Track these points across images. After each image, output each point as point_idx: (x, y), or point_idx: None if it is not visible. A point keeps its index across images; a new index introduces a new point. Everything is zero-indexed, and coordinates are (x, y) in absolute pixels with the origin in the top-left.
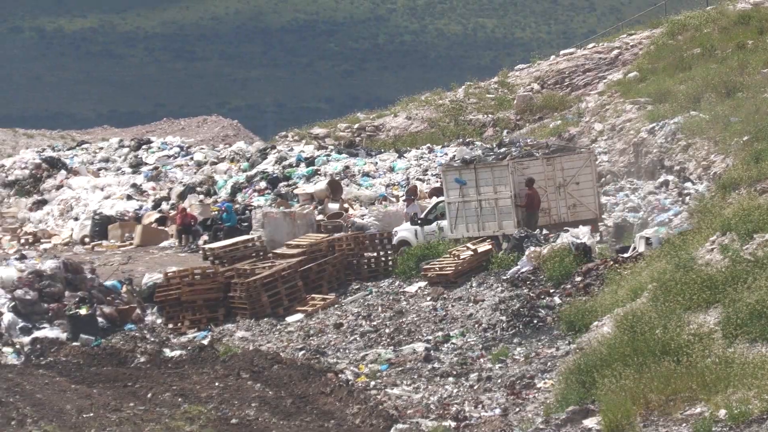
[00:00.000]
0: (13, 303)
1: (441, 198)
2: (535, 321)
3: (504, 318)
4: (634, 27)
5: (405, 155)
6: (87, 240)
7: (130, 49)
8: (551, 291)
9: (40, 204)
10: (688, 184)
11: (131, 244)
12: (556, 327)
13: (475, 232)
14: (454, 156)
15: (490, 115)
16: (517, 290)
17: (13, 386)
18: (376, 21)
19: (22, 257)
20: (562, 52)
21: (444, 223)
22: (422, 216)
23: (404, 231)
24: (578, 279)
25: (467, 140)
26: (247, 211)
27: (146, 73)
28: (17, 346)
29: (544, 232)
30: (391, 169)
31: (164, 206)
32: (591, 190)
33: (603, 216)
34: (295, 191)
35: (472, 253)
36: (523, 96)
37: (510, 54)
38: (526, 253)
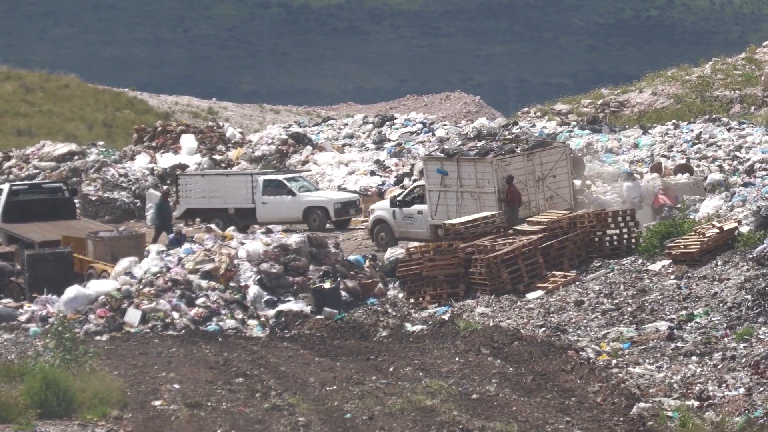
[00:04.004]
0: (259, 276)
1: (419, 182)
2: None
3: (749, 297)
4: None
5: (650, 131)
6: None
7: (375, 26)
8: None
9: None
10: None
11: None
12: None
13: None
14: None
15: (737, 92)
16: (763, 269)
17: (257, 359)
18: None
19: (269, 231)
20: None
21: (423, 207)
22: (400, 198)
23: (381, 210)
24: None
25: (714, 116)
26: None
27: (391, 50)
28: (262, 319)
29: None
30: (635, 146)
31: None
32: (566, 182)
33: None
34: None
35: (717, 231)
36: None
37: (758, 30)
38: None
